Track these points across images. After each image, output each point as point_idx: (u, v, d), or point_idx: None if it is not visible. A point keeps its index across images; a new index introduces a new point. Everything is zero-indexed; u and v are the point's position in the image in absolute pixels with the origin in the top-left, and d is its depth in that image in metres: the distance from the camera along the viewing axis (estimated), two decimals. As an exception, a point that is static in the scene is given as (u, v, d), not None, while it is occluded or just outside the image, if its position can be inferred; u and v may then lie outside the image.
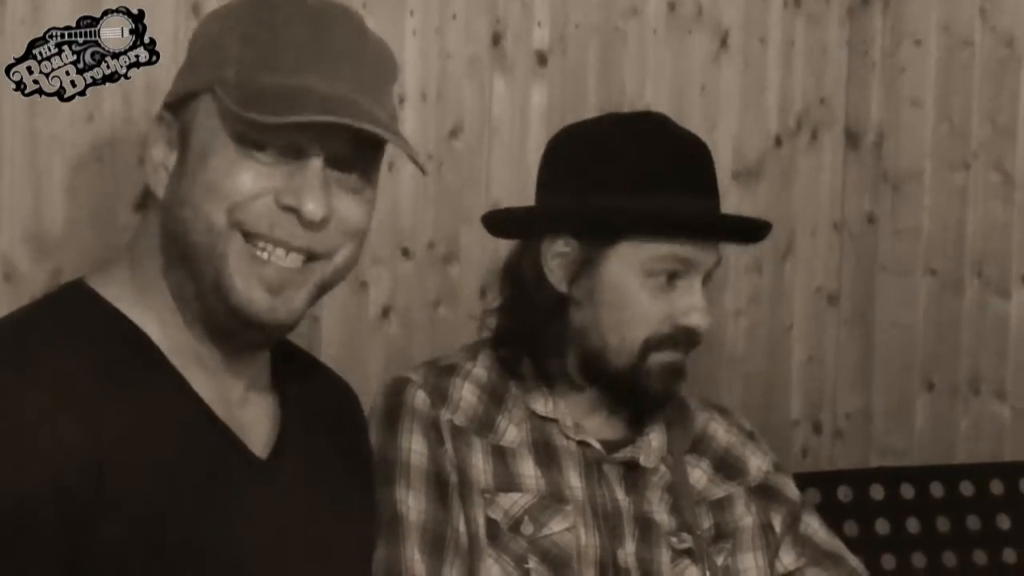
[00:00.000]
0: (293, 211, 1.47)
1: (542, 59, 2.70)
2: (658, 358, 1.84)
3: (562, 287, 1.87)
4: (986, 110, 3.05)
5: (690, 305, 1.84)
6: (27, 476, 1.36)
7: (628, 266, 1.83)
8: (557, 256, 1.87)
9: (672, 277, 1.83)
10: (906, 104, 3.10)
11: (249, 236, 1.47)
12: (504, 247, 1.98)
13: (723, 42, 2.93)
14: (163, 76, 2.24)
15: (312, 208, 1.47)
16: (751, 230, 1.97)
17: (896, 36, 3.11)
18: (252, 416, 1.57)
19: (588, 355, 1.86)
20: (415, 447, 1.81)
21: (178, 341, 1.52)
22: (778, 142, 3.04)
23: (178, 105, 1.52)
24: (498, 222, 1.99)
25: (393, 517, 1.77)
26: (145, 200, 1.57)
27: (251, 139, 1.46)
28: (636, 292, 1.83)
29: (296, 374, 1.63)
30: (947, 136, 3.08)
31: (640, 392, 1.86)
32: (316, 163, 1.48)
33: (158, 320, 1.51)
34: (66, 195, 2.19)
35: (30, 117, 2.15)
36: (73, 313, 1.50)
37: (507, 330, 1.92)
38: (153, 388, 1.48)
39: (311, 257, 1.51)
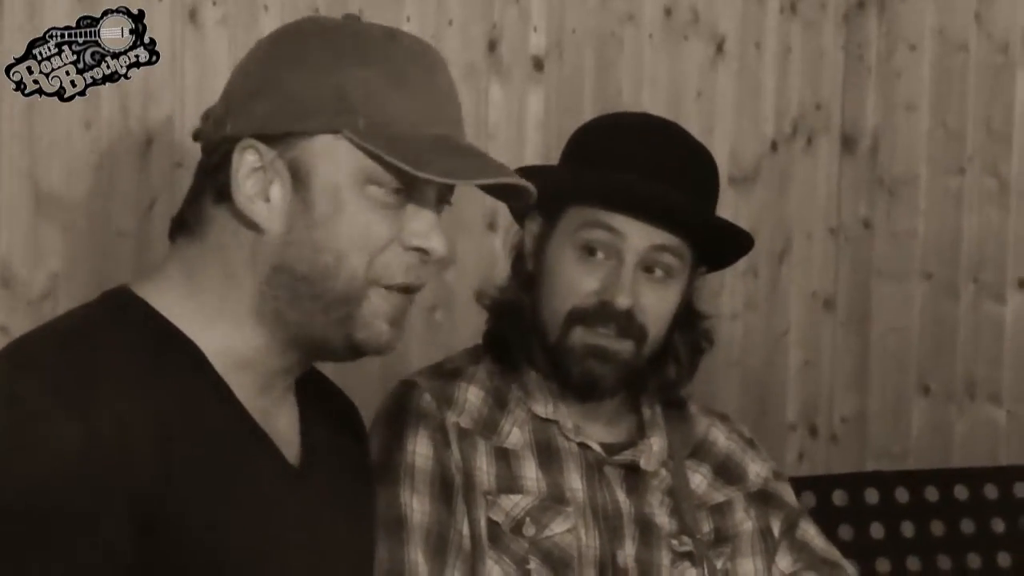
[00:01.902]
0: (419, 251, 1.53)
1: (538, 65, 2.71)
2: (580, 336, 1.84)
3: (530, 265, 1.89)
4: (981, 115, 3.06)
5: (612, 283, 1.82)
6: (100, 483, 1.38)
7: (565, 236, 1.85)
8: (530, 235, 1.90)
9: (599, 252, 1.83)
10: (901, 109, 3.11)
11: (386, 287, 1.53)
12: (500, 255, 1.99)
13: (719, 48, 2.94)
14: (161, 81, 2.26)
15: (442, 249, 1.53)
16: (665, 208, 1.84)
17: (891, 41, 3.11)
18: (283, 424, 1.58)
19: (539, 338, 1.87)
20: (420, 450, 1.82)
21: (234, 353, 1.53)
22: (774, 147, 3.04)
23: (273, 138, 1.50)
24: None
25: (397, 519, 1.77)
26: (187, 222, 1.54)
27: (375, 181, 1.50)
28: (567, 262, 1.84)
29: (308, 383, 1.64)
30: (942, 141, 3.09)
31: (564, 374, 1.86)
32: (433, 202, 1.54)
33: (220, 334, 1.52)
34: (63, 201, 2.20)
35: (28, 123, 2.16)
36: (126, 321, 1.51)
37: (493, 309, 1.93)
38: (203, 396, 1.50)
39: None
